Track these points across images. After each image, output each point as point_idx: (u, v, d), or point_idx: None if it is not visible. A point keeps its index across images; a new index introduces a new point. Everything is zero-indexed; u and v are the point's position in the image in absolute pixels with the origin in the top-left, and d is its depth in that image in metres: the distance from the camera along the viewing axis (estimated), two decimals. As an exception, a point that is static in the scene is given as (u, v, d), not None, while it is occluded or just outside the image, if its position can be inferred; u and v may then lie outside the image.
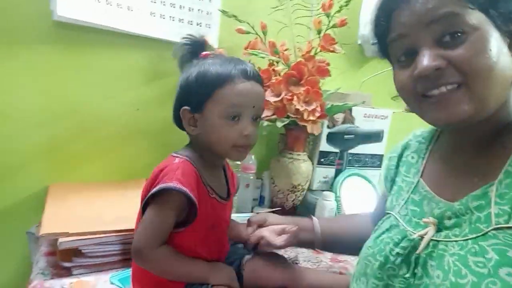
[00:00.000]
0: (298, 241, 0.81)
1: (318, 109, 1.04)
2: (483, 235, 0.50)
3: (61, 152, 1.11)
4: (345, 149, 1.31)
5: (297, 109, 1.02)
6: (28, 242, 1.08)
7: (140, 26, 1.10)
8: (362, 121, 1.31)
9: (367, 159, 1.36)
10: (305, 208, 1.29)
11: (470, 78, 0.50)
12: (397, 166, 0.73)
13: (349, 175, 1.30)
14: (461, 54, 0.50)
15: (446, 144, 0.65)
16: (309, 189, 1.29)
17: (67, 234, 0.82)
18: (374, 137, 1.34)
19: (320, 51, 1.12)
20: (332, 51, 1.09)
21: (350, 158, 1.33)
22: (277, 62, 1.02)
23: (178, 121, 0.74)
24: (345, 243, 0.84)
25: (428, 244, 0.56)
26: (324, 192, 1.19)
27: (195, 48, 0.77)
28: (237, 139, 0.70)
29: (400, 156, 0.73)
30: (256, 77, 0.71)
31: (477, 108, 0.51)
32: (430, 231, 0.57)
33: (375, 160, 1.37)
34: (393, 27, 0.56)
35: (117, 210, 0.99)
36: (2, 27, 0.97)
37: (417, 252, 0.57)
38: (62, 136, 1.10)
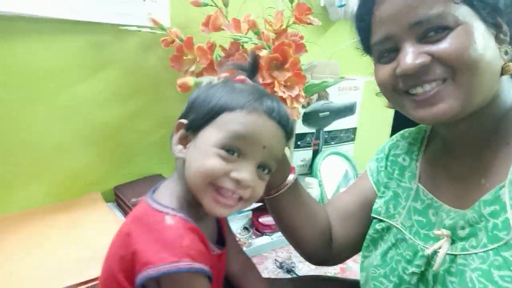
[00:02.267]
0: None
1: (302, 93, 0.90)
2: (504, 244, 0.47)
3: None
4: (321, 127, 1.20)
5: (279, 96, 0.87)
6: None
7: (69, 8, 0.84)
8: (337, 95, 1.20)
9: (342, 135, 1.27)
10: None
11: (455, 71, 0.48)
12: (386, 167, 0.68)
13: (328, 155, 1.21)
14: (446, 48, 0.48)
15: (442, 144, 0.61)
16: (287, 176, 1.18)
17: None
18: (348, 110, 1.25)
19: (294, 23, 0.96)
20: (309, 23, 0.94)
21: (326, 136, 1.23)
22: (267, 47, 0.84)
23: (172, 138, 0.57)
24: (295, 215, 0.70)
25: (444, 259, 0.52)
26: (306, 179, 1.10)
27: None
28: (220, 176, 0.50)
29: (387, 156, 0.69)
30: (283, 121, 0.54)
31: (464, 102, 0.49)
32: (445, 244, 0.52)
33: (349, 134, 1.29)
34: (375, 27, 0.53)
35: (75, 245, 0.79)
36: None
37: (434, 268, 0.52)
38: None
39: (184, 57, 0.94)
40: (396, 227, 0.61)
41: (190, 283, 0.47)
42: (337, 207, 0.73)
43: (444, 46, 0.48)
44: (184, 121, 0.54)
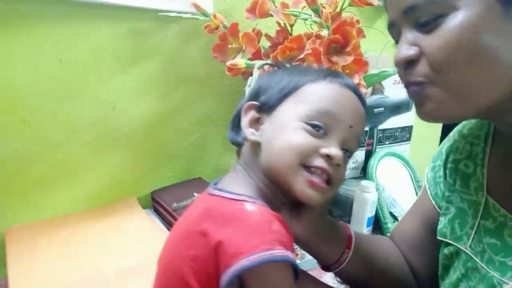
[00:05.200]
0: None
1: (363, 82, 0.79)
2: None
3: (13, 181, 0.78)
4: (375, 125, 1.08)
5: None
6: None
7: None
8: (392, 89, 1.08)
9: (397, 134, 1.14)
10: (338, 205, 1.06)
11: (440, 73, 0.42)
12: (446, 177, 0.58)
13: (383, 156, 1.08)
14: (433, 43, 0.42)
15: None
16: (338, 179, 1.06)
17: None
18: (404, 106, 1.12)
19: (350, 5, 0.85)
20: (369, 4, 0.83)
21: (380, 135, 1.11)
22: (326, 27, 0.73)
23: (234, 126, 0.52)
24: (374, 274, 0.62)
25: None
26: (363, 182, 0.97)
27: None
28: (311, 154, 0.45)
29: (445, 163, 0.59)
30: (362, 99, 0.50)
31: (455, 104, 0.42)
32: None
33: (405, 133, 1.16)
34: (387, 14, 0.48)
35: (111, 256, 0.70)
36: None
37: None
38: (10, 159, 0.76)
39: (229, 46, 0.85)
40: (465, 252, 0.51)
41: (284, 277, 0.40)
42: (404, 238, 0.63)
43: (432, 40, 0.42)
44: (255, 102, 0.49)
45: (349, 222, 0.99)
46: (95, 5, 0.77)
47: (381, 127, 1.10)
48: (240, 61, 0.72)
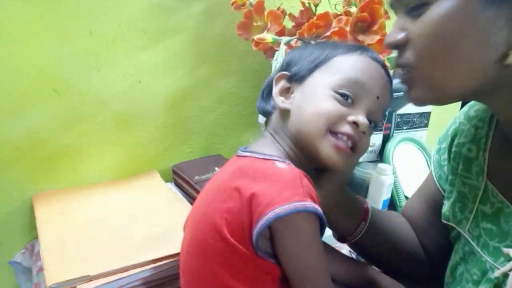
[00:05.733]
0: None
1: (387, 63, 0.79)
2: None
3: (42, 149, 0.80)
4: (394, 109, 1.08)
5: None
6: (15, 274, 0.80)
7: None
8: (412, 74, 1.07)
9: (415, 119, 1.14)
10: (353, 186, 1.07)
11: (422, 60, 0.42)
12: (450, 160, 0.58)
13: (400, 141, 1.08)
14: (417, 30, 0.42)
15: None
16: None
17: (88, 278, 0.56)
18: (423, 92, 1.12)
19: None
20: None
21: (398, 120, 1.11)
22: (354, 4, 0.74)
23: (265, 95, 0.54)
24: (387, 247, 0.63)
25: None
26: (380, 165, 0.98)
27: None
28: (338, 120, 0.47)
29: (450, 146, 0.59)
30: (389, 74, 0.53)
31: (435, 92, 0.44)
32: None
33: (423, 119, 1.16)
34: None
35: (138, 223, 0.72)
36: None
37: None
38: (40, 128, 0.79)
39: (254, 24, 0.86)
40: (464, 236, 0.52)
41: (313, 228, 0.43)
42: (411, 218, 0.64)
43: (415, 26, 0.42)
44: (286, 72, 0.51)
45: (364, 203, 1.00)
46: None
47: (399, 112, 1.10)
48: (267, 36, 0.74)
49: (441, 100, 0.45)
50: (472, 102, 0.60)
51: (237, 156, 0.50)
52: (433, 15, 0.41)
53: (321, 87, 0.47)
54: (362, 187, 1.02)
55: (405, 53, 0.44)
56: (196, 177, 0.84)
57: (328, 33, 0.73)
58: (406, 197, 1.02)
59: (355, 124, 0.46)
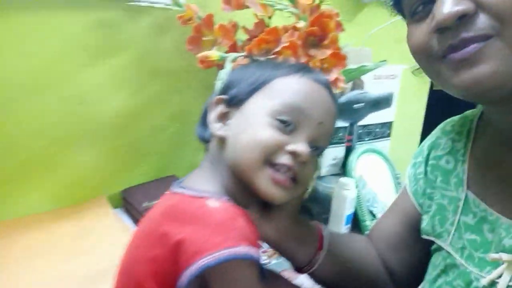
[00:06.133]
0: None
1: (341, 77, 0.76)
2: None
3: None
4: (355, 121, 1.06)
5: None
6: None
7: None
8: (372, 85, 1.06)
9: (377, 130, 1.13)
10: (315, 202, 1.04)
11: (505, 24, 0.37)
12: (426, 174, 0.57)
13: (363, 152, 1.06)
14: None
15: (496, 136, 0.49)
16: (318, 176, 1.04)
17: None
18: (384, 102, 1.10)
19: (328, -3, 0.82)
20: (348, -4, 0.80)
21: (360, 131, 1.09)
22: (303, 18, 0.70)
23: (203, 121, 0.50)
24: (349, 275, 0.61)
25: None
26: (341, 179, 0.95)
27: None
28: (276, 150, 0.43)
29: (427, 160, 0.57)
30: (335, 96, 0.49)
31: None
32: (505, 273, 0.42)
33: (385, 129, 1.15)
34: None
35: (79, 257, 0.66)
36: None
37: None
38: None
39: (204, 38, 0.82)
40: (445, 250, 0.51)
41: (249, 275, 0.38)
42: (383, 237, 0.62)
43: None
44: (224, 96, 0.48)
45: (328, 219, 0.97)
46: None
47: (361, 123, 1.08)
48: (213, 53, 0.69)
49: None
50: (447, 120, 0.58)
51: (170, 192, 0.45)
52: None
53: (259, 113, 0.44)
54: (325, 202, 0.99)
55: (478, 21, 0.38)
56: (145, 204, 0.78)
57: (279, 48, 0.69)
58: (370, 212, 1.00)
59: (294, 153, 0.43)
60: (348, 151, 1.07)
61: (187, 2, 0.83)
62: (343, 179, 0.96)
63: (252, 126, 0.43)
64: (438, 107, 1.48)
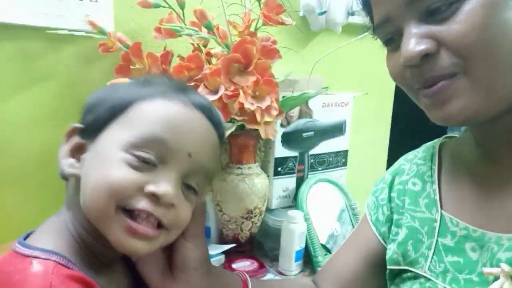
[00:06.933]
0: None
1: (275, 104, 0.73)
2: None
3: None
4: (306, 150, 1.02)
5: (245, 109, 0.70)
6: None
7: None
8: (321, 113, 1.03)
9: (330, 159, 1.09)
10: (266, 237, 0.98)
11: (467, 62, 0.38)
12: (390, 199, 0.55)
13: (315, 183, 1.02)
14: (454, 30, 0.38)
15: (469, 154, 0.49)
16: (268, 209, 0.98)
17: None
18: (336, 130, 1.07)
19: (263, 24, 0.80)
20: (281, 23, 0.78)
21: (312, 160, 1.05)
22: (208, 41, 0.68)
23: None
24: None
25: None
26: (289, 212, 0.90)
27: None
28: (132, 194, 0.36)
29: (391, 185, 0.57)
30: (214, 118, 0.42)
31: (484, 101, 0.39)
32: (506, 285, 0.39)
33: (340, 158, 1.11)
34: (374, 8, 0.45)
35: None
36: None
37: None
38: None
39: (132, 67, 0.78)
40: (424, 276, 0.47)
41: None
42: (337, 277, 0.58)
43: (449, 28, 0.38)
44: (78, 125, 0.40)
45: (278, 255, 0.91)
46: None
47: (313, 152, 1.04)
48: (123, 80, 0.65)
49: (486, 109, 0.39)
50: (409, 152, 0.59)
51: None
52: (472, 9, 0.37)
53: (112, 147, 0.37)
54: (277, 237, 0.93)
55: (440, 60, 0.39)
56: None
57: (200, 75, 0.65)
58: (323, 246, 0.94)
59: (155, 196, 0.36)
60: (300, 182, 1.02)
61: (118, 32, 0.80)
62: (291, 212, 0.91)
63: (104, 164, 0.37)
64: (401, 134, 1.45)
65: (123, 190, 0.36)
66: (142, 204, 0.36)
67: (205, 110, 0.41)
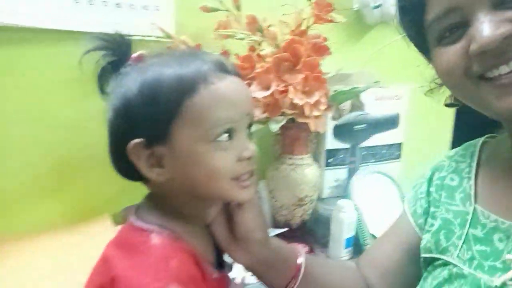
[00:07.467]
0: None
1: (323, 99, 0.77)
2: None
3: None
4: (357, 143, 1.05)
5: (295, 104, 0.76)
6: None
7: (64, 18, 0.81)
8: (374, 106, 1.04)
9: (383, 151, 1.10)
10: (317, 224, 1.03)
11: None
12: (429, 193, 0.57)
13: (366, 174, 1.04)
14: None
15: (506, 152, 0.50)
16: (319, 198, 1.03)
17: None
18: (389, 123, 1.08)
19: (313, 23, 0.85)
20: (330, 21, 0.82)
21: (364, 153, 1.07)
22: (260, 43, 0.74)
23: (122, 164, 0.45)
24: None
25: None
26: (339, 202, 0.94)
27: (117, 52, 0.48)
28: (237, 166, 0.44)
29: (430, 180, 0.58)
30: (235, 70, 0.46)
31: None
32: None
33: (393, 151, 1.12)
34: (433, 1, 0.44)
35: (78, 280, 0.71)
36: None
37: None
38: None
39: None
40: (451, 263, 0.50)
41: None
42: (376, 263, 0.61)
43: None
44: (139, 140, 0.41)
45: (328, 242, 0.96)
46: (55, 30, 0.81)
47: (365, 144, 1.07)
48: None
49: None
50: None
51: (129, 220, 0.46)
52: None
53: (195, 145, 0.42)
54: (327, 225, 0.97)
55: None
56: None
57: (253, 74, 0.72)
58: (373, 235, 0.97)
59: (250, 158, 0.45)
60: (351, 173, 1.06)
61: (178, 34, 0.89)
62: (341, 202, 0.95)
63: (202, 160, 0.42)
64: (464, 130, 1.40)
65: (230, 170, 0.43)
66: (244, 168, 0.44)
67: (233, 70, 0.45)
